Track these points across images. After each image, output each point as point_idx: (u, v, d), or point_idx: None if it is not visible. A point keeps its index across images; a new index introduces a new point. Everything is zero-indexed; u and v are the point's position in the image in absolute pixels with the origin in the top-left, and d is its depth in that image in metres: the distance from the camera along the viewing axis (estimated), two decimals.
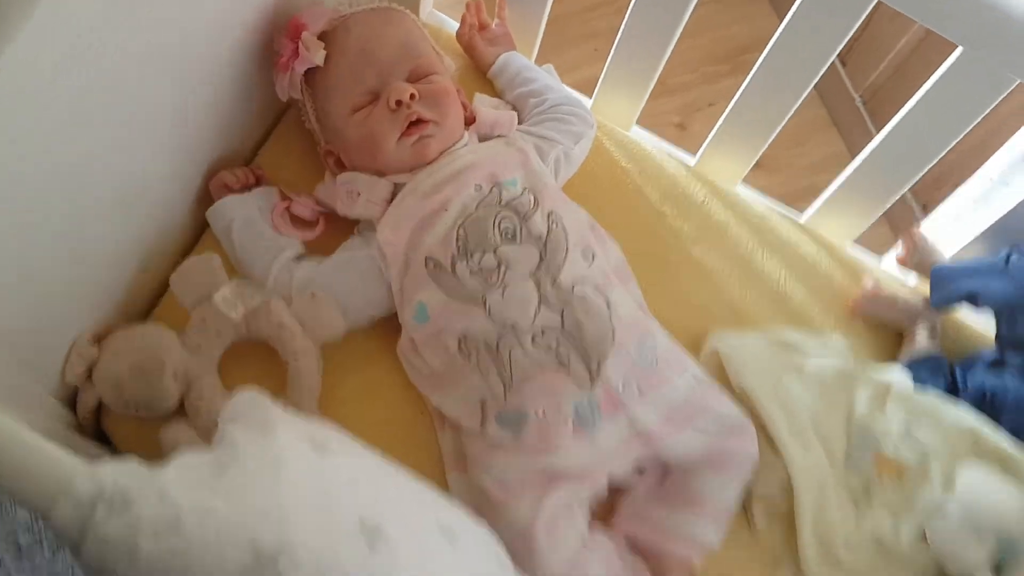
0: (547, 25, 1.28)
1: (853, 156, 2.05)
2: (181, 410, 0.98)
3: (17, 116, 0.72)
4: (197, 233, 1.10)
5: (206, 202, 1.07)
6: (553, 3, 1.25)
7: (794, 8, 1.04)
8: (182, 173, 1.03)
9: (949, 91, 1.02)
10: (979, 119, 1.02)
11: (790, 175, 2.01)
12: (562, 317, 0.95)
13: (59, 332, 0.93)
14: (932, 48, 1.70)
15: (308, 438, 0.74)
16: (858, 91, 1.94)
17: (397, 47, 1.03)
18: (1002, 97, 0.98)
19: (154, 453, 0.96)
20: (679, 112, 2.02)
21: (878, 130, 1.93)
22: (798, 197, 2.01)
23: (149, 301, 1.07)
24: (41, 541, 1.38)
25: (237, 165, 1.11)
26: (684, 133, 2.01)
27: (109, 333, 0.97)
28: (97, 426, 1.01)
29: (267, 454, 0.70)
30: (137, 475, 0.67)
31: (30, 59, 0.70)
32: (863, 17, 1.01)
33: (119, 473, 0.66)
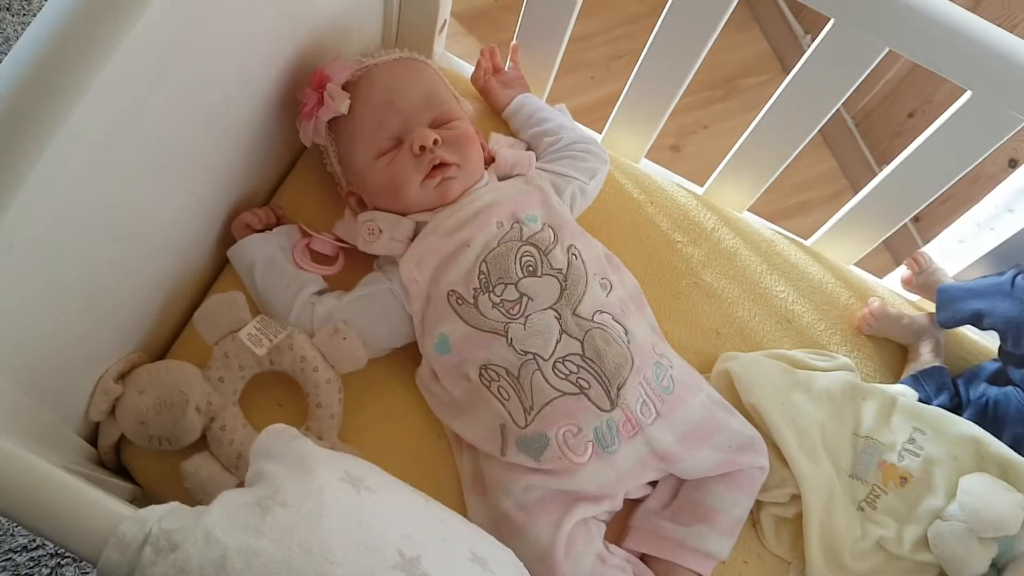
0: None
1: (845, 174, 2.11)
2: (201, 441, 0.99)
3: (67, 170, 0.73)
4: (216, 272, 1.12)
5: (226, 242, 1.08)
6: None
7: (805, 56, 1.07)
8: (204, 215, 1.04)
9: (957, 131, 1.04)
10: (984, 156, 1.05)
11: (783, 192, 2.05)
12: (583, 345, 0.97)
13: (82, 371, 0.94)
14: (923, 74, 1.74)
15: (344, 474, 0.75)
16: (850, 113, 1.98)
17: (420, 96, 1.05)
18: (1009, 136, 1.01)
19: (174, 484, 0.97)
20: (673, 134, 2.05)
21: (870, 150, 2.00)
22: (791, 214, 2.05)
23: (169, 338, 1.08)
24: (39, 561, 1.38)
25: (256, 204, 1.13)
26: (678, 155, 2.04)
27: (132, 370, 0.98)
28: (116, 459, 1.02)
29: (308, 493, 0.71)
30: (182, 517, 0.68)
31: (90, 121, 0.72)
32: (873, 66, 1.03)
33: (164, 516, 0.67)
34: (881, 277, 1.33)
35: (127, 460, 1.02)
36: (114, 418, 0.97)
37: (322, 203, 1.14)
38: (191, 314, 1.07)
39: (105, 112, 0.73)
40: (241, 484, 0.94)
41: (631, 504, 1.04)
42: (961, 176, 1.09)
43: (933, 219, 1.86)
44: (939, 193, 1.13)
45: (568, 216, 1.07)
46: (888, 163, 1.87)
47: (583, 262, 1.02)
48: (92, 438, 1.00)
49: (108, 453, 1.00)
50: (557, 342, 0.96)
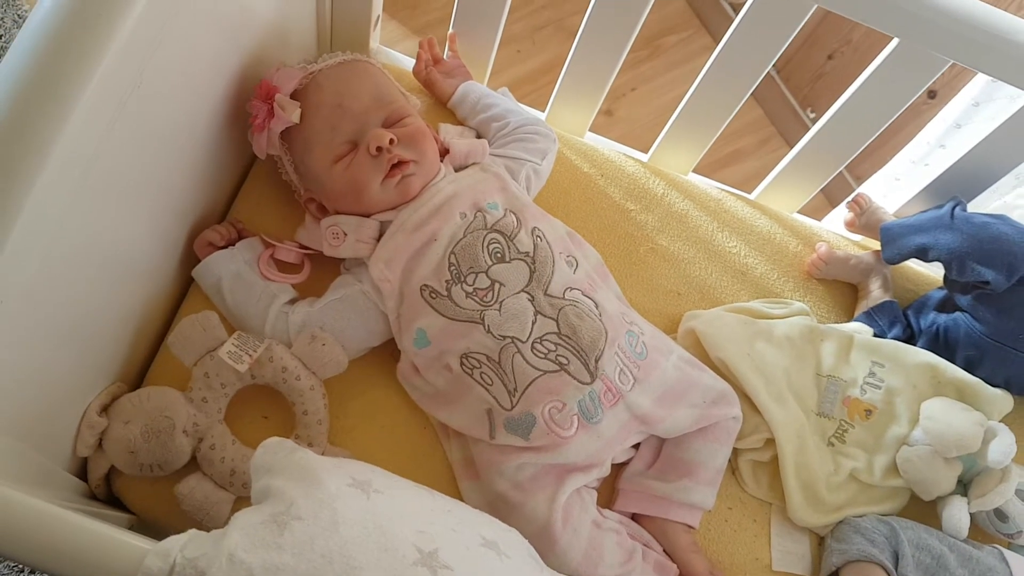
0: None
1: (772, 120, 2.16)
2: (191, 462, 0.99)
3: (51, 209, 0.73)
4: (181, 293, 1.11)
5: (189, 262, 1.08)
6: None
7: (736, 21, 1.10)
8: (166, 237, 1.04)
9: (886, 78, 1.08)
10: (915, 98, 1.09)
11: (714, 144, 2.09)
12: (557, 324, 1.00)
13: (64, 409, 0.93)
14: (839, 15, 1.79)
15: (351, 479, 0.77)
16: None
17: (370, 96, 1.05)
18: (936, 77, 1.05)
19: (169, 509, 0.98)
20: (605, 99, 2.07)
21: (793, 94, 2.05)
22: (725, 163, 2.10)
23: (143, 365, 1.07)
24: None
25: (214, 221, 1.12)
26: (612, 119, 2.06)
27: (114, 402, 0.98)
28: (107, 490, 1.02)
29: (321, 503, 0.72)
30: (203, 543, 0.68)
31: (68, 159, 0.72)
32: (803, 23, 1.07)
33: (185, 544, 0.68)
34: (819, 218, 1.38)
35: (118, 490, 1.02)
36: (102, 451, 0.97)
37: (280, 212, 1.14)
38: (161, 339, 1.07)
39: (80, 148, 0.73)
40: (246, 500, 0.96)
41: (617, 468, 1.09)
42: (893, 119, 1.13)
43: (860, 155, 1.92)
44: (873, 138, 1.17)
45: (527, 199, 1.09)
46: (812, 106, 1.93)
47: (548, 243, 1.04)
48: (80, 472, 1.00)
49: (99, 486, 1.00)
50: (533, 323, 0.99)
